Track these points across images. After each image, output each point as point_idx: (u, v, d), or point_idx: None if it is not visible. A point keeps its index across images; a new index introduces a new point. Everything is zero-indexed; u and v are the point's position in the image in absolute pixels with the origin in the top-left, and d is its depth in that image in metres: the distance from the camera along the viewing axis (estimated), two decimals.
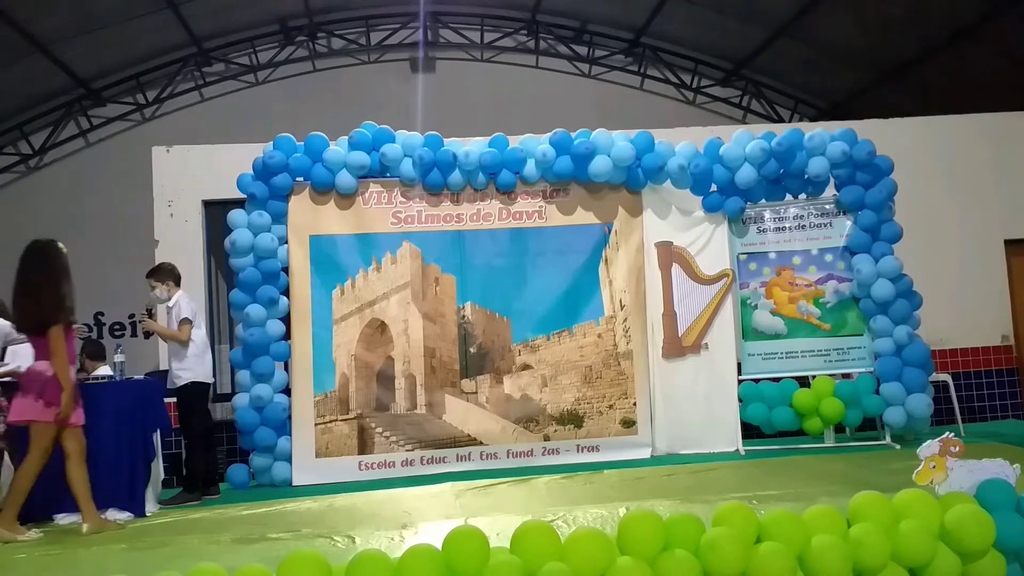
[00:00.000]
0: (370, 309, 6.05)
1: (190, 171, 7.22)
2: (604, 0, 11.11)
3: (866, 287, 6.04)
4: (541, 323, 6.15)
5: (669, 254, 6.33)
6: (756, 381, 6.30)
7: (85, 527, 4.52)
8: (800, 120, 11.73)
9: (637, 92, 11.94)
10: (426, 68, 11.52)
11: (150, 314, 5.68)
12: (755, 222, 6.39)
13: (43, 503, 4.95)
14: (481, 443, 5.97)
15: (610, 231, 6.27)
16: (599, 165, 6.04)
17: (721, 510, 2.94)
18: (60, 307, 4.45)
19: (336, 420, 5.90)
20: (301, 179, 6.04)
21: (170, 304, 5.65)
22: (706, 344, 6.25)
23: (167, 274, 5.69)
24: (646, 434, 6.10)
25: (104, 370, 5.89)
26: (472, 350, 6.04)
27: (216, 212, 6.99)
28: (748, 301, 6.33)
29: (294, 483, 5.75)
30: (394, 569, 2.64)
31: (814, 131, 6.26)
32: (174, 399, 5.67)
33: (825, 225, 6.27)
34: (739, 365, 6.28)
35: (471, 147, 6.07)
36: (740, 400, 6.21)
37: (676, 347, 6.25)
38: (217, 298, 7.46)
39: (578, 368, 6.08)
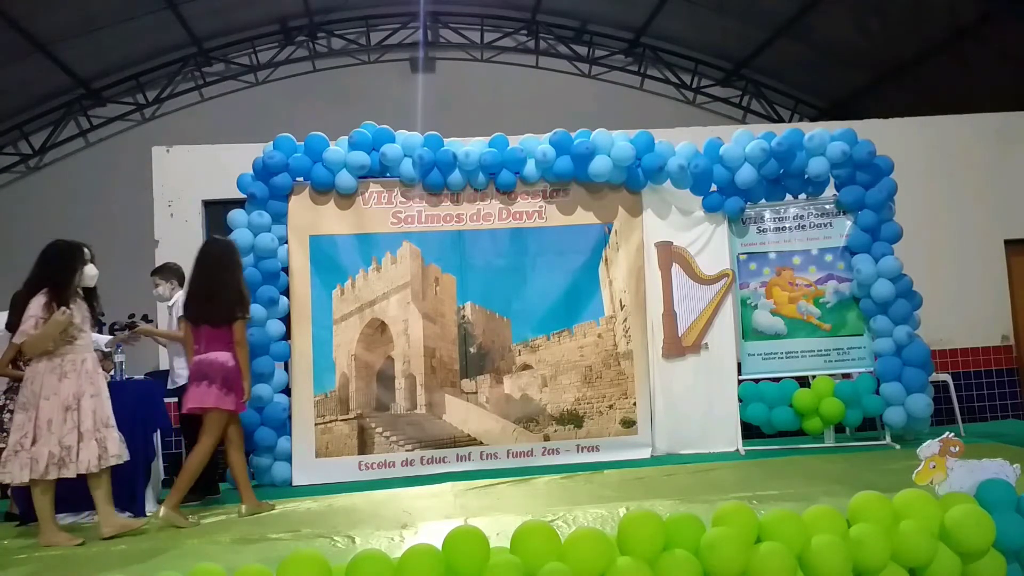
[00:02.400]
0: (370, 309, 6.05)
1: (190, 171, 7.23)
2: (604, 0, 11.11)
3: (866, 287, 6.04)
4: (541, 323, 6.15)
5: (669, 254, 6.33)
6: (756, 381, 6.31)
7: (244, 508, 4.77)
8: (800, 120, 11.73)
9: (637, 92, 11.94)
10: (426, 68, 11.52)
11: (132, 326, 5.64)
12: (755, 222, 6.39)
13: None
14: (481, 443, 5.97)
15: (610, 231, 6.27)
16: (599, 165, 6.04)
17: (721, 510, 2.94)
18: (247, 301, 4.87)
19: (336, 420, 5.90)
20: (301, 179, 6.04)
21: (170, 304, 5.63)
22: (706, 344, 6.25)
23: (172, 273, 5.67)
24: (646, 434, 6.10)
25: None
26: (472, 350, 6.04)
27: (216, 212, 7.00)
28: (748, 301, 6.33)
29: (294, 483, 5.75)
30: (394, 569, 2.64)
31: (814, 131, 6.26)
32: (175, 399, 5.65)
33: (825, 225, 6.27)
34: (739, 365, 6.28)
35: (471, 147, 6.07)
36: (740, 400, 6.22)
37: (676, 347, 6.25)
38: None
39: (578, 368, 6.08)
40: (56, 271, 4.31)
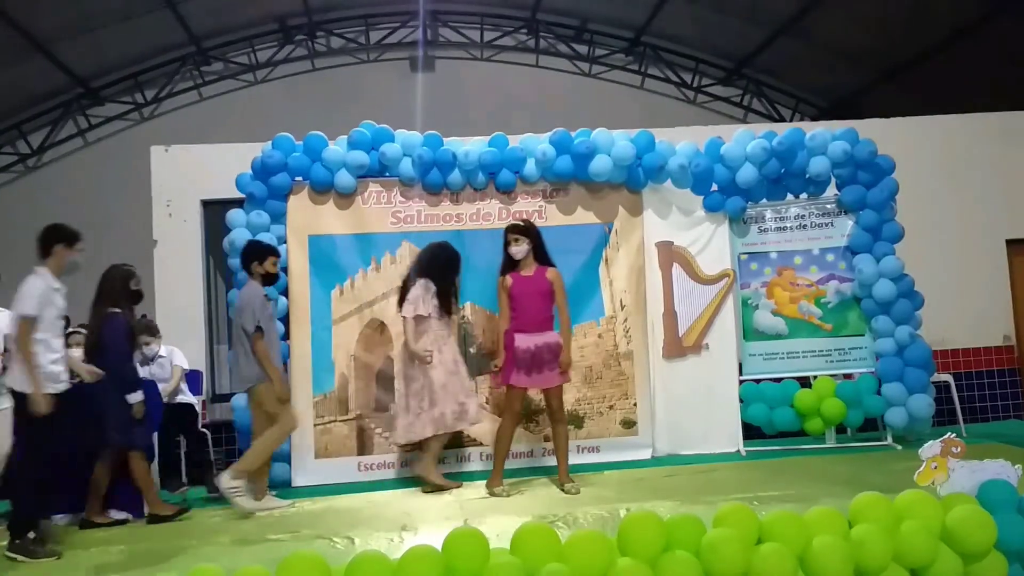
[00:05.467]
0: (369, 309, 6.02)
1: (188, 171, 7.21)
2: None
3: (867, 287, 6.02)
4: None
5: (670, 254, 6.31)
6: (757, 381, 6.29)
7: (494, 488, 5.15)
8: (801, 119, 11.73)
9: (638, 91, 11.93)
10: (425, 67, 11.52)
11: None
12: (756, 222, 6.37)
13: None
14: (481, 444, 5.94)
15: (610, 231, 6.25)
16: (599, 165, 6.02)
17: (722, 511, 2.94)
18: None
19: (335, 421, 5.87)
20: (300, 179, 6.01)
21: (162, 354, 6.06)
22: (707, 344, 6.23)
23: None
24: (647, 435, 6.08)
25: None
26: (472, 350, 6.01)
27: (215, 212, 6.98)
28: (749, 301, 6.32)
29: (293, 484, 5.73)
30: (394, 570, 2.63)
31: (815, 131, 6.25)
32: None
33: (826, 225, 6.26)
34: (740, 365, 6.26)
35: (471, 146, 6.05)
36: (741, 400, 6.20)
37: (677, 347, 6.23)
38: (216, 298, 7.45)
39: (578, 368, 6.05)
40: (445, 273, 5.39)
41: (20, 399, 4.16)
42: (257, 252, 5.22)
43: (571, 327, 5.32)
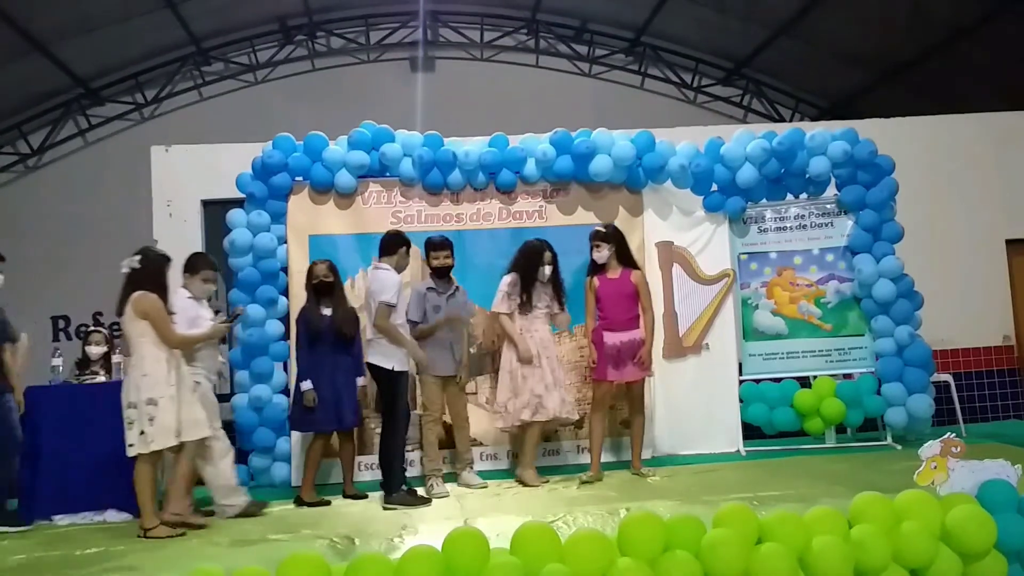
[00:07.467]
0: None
1: (189, 171, 7.21)
2: None
3: (867, 287, 6.03)
4: None
5: (670, 254, 6.32)
6: (757, 381, 6.30)
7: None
8: (801, 120, 11.72)
9: (638, 91, 11.92)
10: (426, 67, 11.51)
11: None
12: (756, 222, 6.38)
13: (43, 503, 4.95)
14: (481, 443, 5.94)
15: None
16: (600, 165, 6.02)
17: (722, 511, 2.94)
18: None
19: None
20: (300, 179, 6.02)
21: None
22: (707, 344, 6.24)
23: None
24: (647, 434, 6.06)
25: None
26: (472, 350, 6.01)
27: (215, 212, 6.97)
28: (749, 301, 6.32)
29: (293, 484, 5.72)
30: (394, 570, 2.64)
31: (815, 131, 6.25)
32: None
33: (826, 225, 6.26)
34: (740, 365, 6.27)
35: (471, 147, 6.05)
36: (741, 400, 6.20)
37: (677, 347, 6.23)
38: (216, 298, 7.44)
39: (578, 368, 6.05)
40: (524, 265, 5.46)
41: (382, 374, 5.02)
42: (426, 247, 5.54)
43: (653, 325, 5.52)
